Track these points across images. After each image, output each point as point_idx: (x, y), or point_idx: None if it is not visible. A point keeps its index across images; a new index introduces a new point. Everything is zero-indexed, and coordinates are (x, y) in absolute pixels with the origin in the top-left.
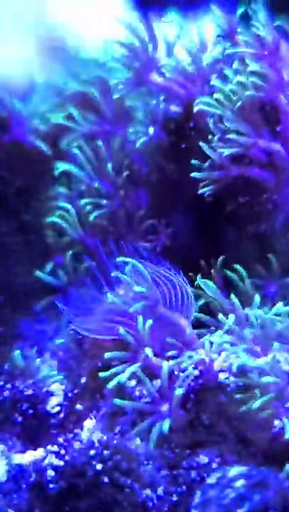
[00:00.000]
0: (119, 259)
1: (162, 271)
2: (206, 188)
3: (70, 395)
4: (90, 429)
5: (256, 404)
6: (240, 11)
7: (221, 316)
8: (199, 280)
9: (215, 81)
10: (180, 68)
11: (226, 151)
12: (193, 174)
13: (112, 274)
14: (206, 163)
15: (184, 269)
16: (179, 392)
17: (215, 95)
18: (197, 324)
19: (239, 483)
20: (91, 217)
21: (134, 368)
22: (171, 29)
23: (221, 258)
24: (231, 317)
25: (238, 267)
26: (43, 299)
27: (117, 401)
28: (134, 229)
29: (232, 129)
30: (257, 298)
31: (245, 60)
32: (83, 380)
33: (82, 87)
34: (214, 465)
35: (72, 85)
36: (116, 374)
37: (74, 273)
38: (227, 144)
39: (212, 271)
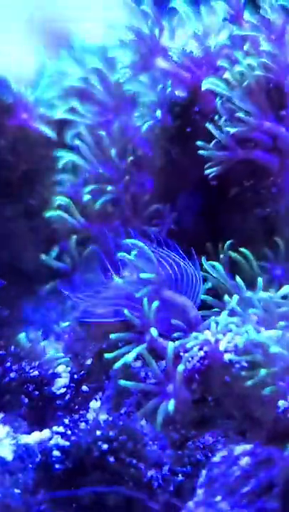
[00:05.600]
0: (126, 241)
1: (169, 253)
2: (212, 169)
3: (75, 376)
4: (95, 410)
5: (262, 372)
6: None
7: (226, 297)
8: (205, 262)
9: (223, 62)
10: (187, 53)
11: (232, 130)
12: (200, 152)
13: (118, 255)
14: (211, 144)
15: (189, 252)
16: (180, 368)
17: (224, 75)
18: (203, 306)
19: (244, 461)
20: (97, 204)
21: (140, 348)
22: (177, 14)
23: (228, 242)
24: (235, 298)
25: (244, 250)
26: (48, 283)
27: (123, 382)
28: (140, 213)
29: (239, 109)
30: (260, 281)
31: (257, 41)
32: (89, 361)
33: (82, 80)
34: (219, 445)
35: (74, 78)
36: (122, 355)
37: (79, 257)
38: (233, 123)
39: (220, 254)
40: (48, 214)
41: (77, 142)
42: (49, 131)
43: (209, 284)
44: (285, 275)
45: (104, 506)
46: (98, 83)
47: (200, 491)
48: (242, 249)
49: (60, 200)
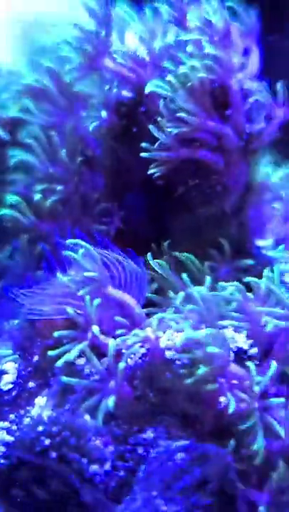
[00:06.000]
0: (70, 241)
1: (114, 253)
2: (155, 169)
3: (23, 373)
4: (41, 406)
5: (199, 371)
6: None
7: (171, 294)
8: (151, 260)
9: (167, 64)
10: (131, 54)
11: (174, 131)
12: (142, 154)
13: (64, 254)
14: (155, 145)
15: (137, 251)
16: (121, 365)
17: (167, 78)
18: (150, 305)
19: (179, 456)
20: (47, 203)
21: (82, 346)
22: (123, 15)
23: (167, 241)
24: (180, 295)
25: (185, 254)
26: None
27: (65, 379)
28: (89, 212)
29: (182, 109)
30: (208, 279)
31: (200, 43)
32: (36, 358)
33: (36, 79)
34: (161, 441)
35: (28, 77)
36: (65, 352)
37: (30, 256)
38: (176, 124)
39: (163, 253)
40: (0, 213)
41: (30, 141)
42: (1, 132)
43: (155, 283)
44: (229, 274)
45: (39, 501)
46: (51, 83)
47: (137, 486)
48: (184, 254)
49: (11, 199)
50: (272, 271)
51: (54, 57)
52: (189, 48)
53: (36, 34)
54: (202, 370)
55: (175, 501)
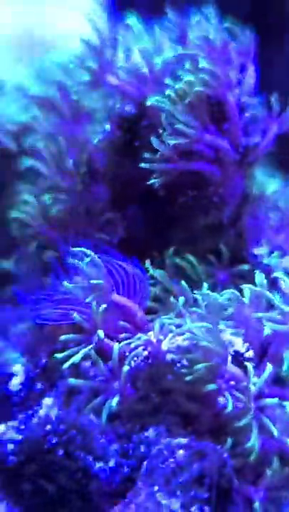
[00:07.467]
0: (75, 249)
1: (117, 261)
2: (155, 180)
3: (31, 375)
4: (48, 406)
5: (198, 366)
6: (195, 17)
7: (172, 298)
8: (150, 268)
9: (167, 80)
10: (134, 70)
11: (172, 142)
12: (141, 164)
13: (69, 261)
14: (156, 156)
15: (139, 258)
16: (125, 369)
17: (167, 92)
18: (151, 311)
19: (179, 453)
20: (52, 211)
21: (88, 349)
22: (130, 32)
23: (171, 249)
24: (181, 300)
25: (188, 256)
26: (8, 287)
27: (72, 380)
28: (93, 222)
29: (181, 121)
30: (205, 284)
31: (197, 59)
32: (43, 361)
33: (43, 91)
34: (162, 439)
35: (35, 89)
36: (71, 355)
37: (37, 263)
38: (175, 136)
39: (166, 261)
40: (13, 215)
41: (40, 146)
42: (11, 143)
43: (156, 290)
44: (228, 280)
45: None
46: (59, 95)
47: (140, 482)
48: (187, 256)
49: (22, 205)
50: (265, 278)
51: (61, 71)
52: (187, 65)
53: (42, 49)
54: (200, 365)
55: (175, 495)
